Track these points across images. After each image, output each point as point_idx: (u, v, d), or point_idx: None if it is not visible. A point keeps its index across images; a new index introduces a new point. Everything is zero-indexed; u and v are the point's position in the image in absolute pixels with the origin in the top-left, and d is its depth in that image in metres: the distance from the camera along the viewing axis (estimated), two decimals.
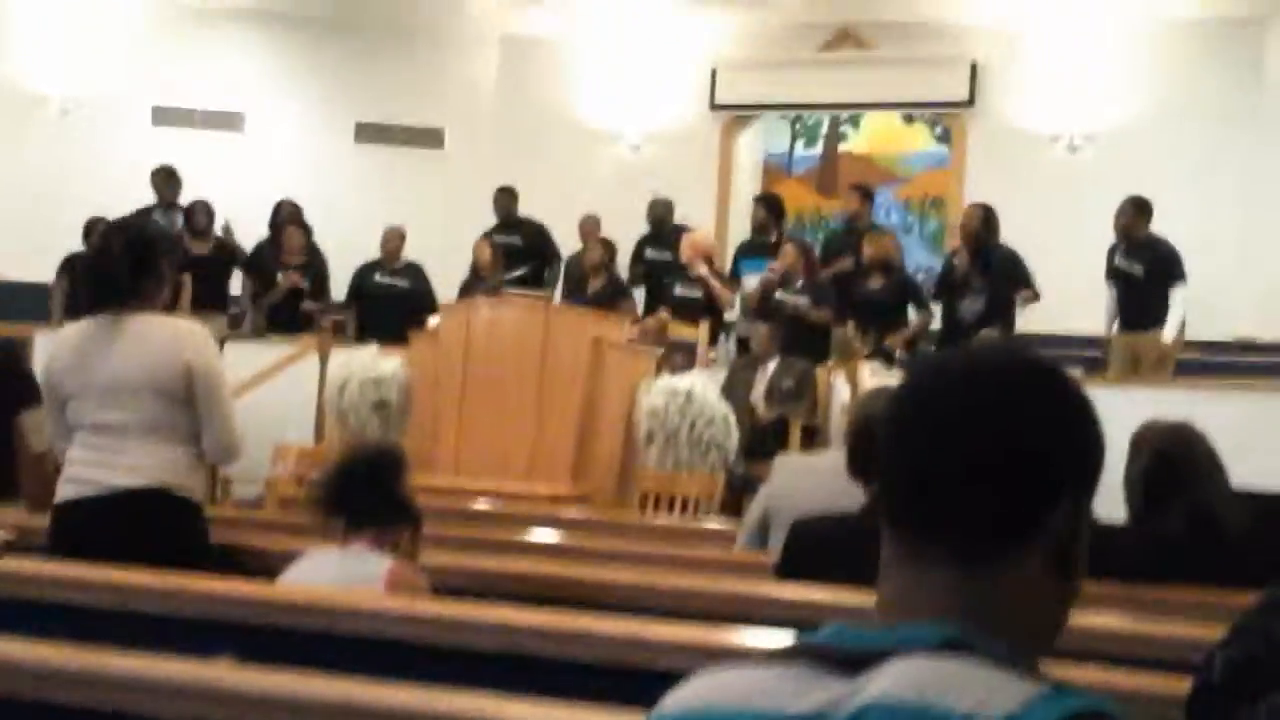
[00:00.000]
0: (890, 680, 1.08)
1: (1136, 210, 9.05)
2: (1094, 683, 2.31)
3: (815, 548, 3.30)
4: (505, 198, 11.17)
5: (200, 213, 10.51)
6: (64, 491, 3.82)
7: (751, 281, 9.73)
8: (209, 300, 9.77)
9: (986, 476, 1.17)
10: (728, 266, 10.64)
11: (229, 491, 7.55)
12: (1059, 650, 2.36)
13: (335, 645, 2.75)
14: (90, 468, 3.77)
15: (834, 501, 3.41)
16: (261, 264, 10.74)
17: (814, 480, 3.89)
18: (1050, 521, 1.17)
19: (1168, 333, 8.96)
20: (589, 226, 10.75)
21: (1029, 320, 9.34)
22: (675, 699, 1.22)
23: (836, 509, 3.37)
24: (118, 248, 3.84)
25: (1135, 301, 9.06)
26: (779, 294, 9.31)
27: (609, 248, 10.38)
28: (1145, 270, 9.00)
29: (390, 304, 10.13)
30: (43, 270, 10.67)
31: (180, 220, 10.57)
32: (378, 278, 10.48)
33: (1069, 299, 9.48)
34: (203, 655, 2.37)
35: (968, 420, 1.19)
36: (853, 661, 1.13)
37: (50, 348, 4.04)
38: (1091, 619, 2.99)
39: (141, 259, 3.82)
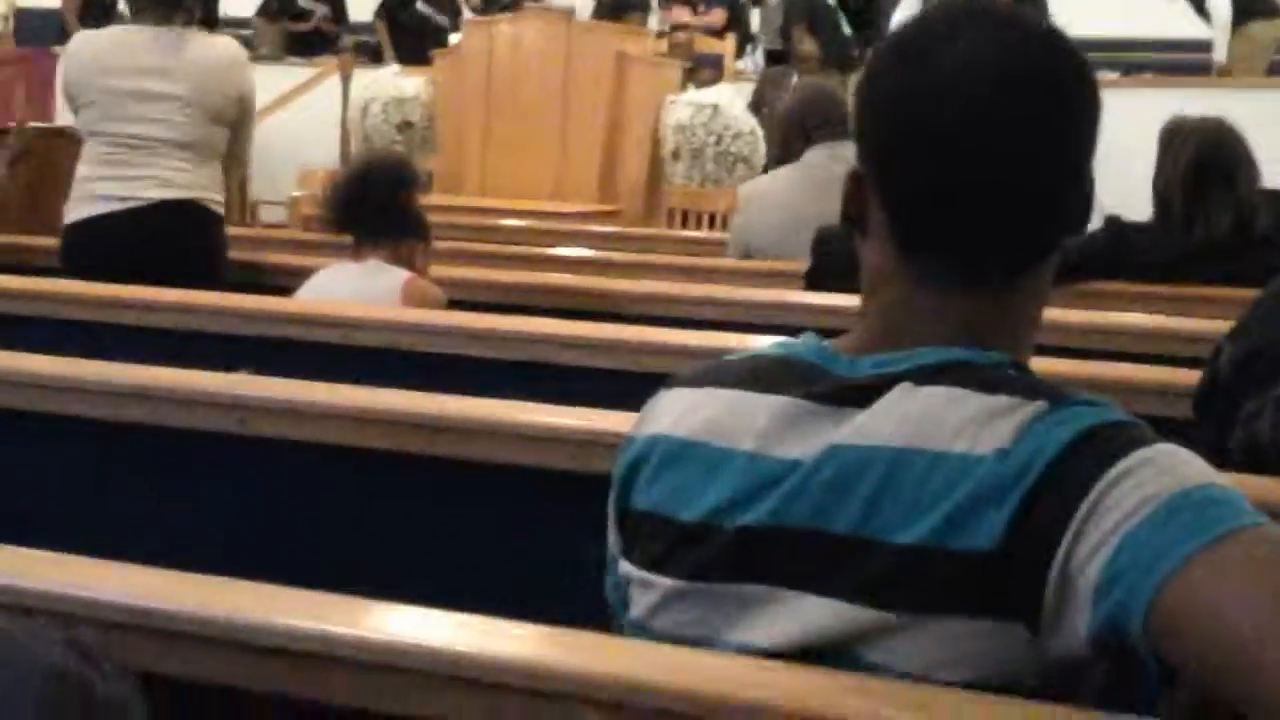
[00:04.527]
0: (879, 420, 1.01)
1: None
2: (1116, 379, 2.28)
3: (840, 252, 3.27)
4: None
5: None
6: (87, 208, 3.70)
7: None
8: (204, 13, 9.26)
9: (1025, 198, 1.06)
10: None
11: (257, 215, 7.53)
12: (1084, 350, 2.29)
13: (352, 357, 2.74)
14: (117, 183, 3.68)
15: (802, 221, 3.49)
16: None
17: (779, 204, 3.94)
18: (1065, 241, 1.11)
19: None
20: None
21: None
22: (657, 415, 1.17)
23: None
24: None
25: None
26: None
27: None
28: None
29: (424, 36, 9.79)
30: None
31: None
32: (419, 6, 10.13)
33: None
34: (220, 369, 2.36)
35: (1012, 134, 1.05)
36: (844, 395, 1.04)
37: (77, 48, 3.88)
38: (1120, 317, 2.96)
39: None
